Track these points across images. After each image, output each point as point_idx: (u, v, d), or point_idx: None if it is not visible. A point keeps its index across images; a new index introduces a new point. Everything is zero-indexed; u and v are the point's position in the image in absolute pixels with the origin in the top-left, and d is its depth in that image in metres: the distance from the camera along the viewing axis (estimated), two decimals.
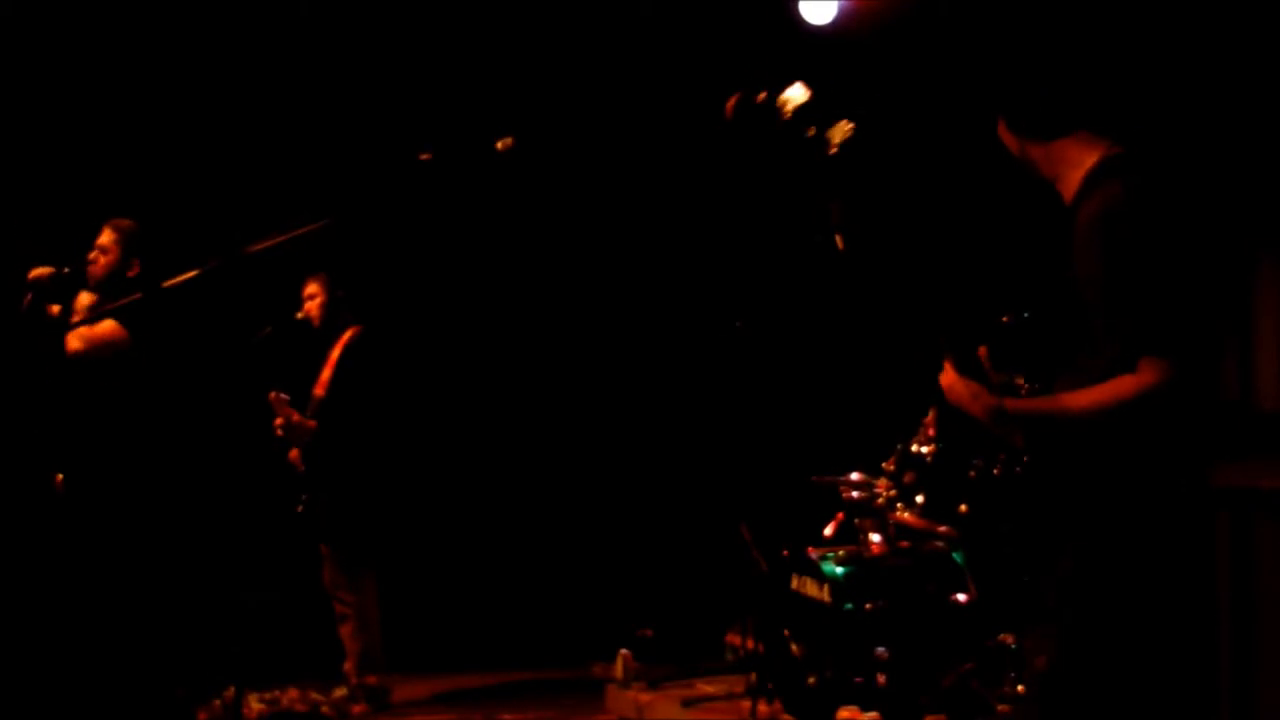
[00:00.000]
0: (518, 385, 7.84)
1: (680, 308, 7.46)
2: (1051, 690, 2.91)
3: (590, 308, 7.79)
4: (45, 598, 5.45)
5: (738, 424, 7.00)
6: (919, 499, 5.15)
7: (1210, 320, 3.02)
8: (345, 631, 6.45)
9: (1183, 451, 2.87)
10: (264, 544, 6.20)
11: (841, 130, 3.16)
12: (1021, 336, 3.39)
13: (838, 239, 3.21)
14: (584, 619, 7.36)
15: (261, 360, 6.13)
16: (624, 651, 6.42)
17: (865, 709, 4.92)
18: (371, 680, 6.41)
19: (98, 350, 5.46)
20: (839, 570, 5.14)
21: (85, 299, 5.61)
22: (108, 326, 5.48)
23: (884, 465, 5.34)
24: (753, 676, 5.53)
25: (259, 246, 3.38)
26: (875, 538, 5.32)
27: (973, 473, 4.86)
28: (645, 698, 6.09)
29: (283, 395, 6.34)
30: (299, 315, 6.50)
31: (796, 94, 3.18)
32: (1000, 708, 4.74)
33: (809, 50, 6.49)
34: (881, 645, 4.91)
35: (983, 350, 2.99)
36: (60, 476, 5.55)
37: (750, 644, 5.66)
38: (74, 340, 5.49)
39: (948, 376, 3.01)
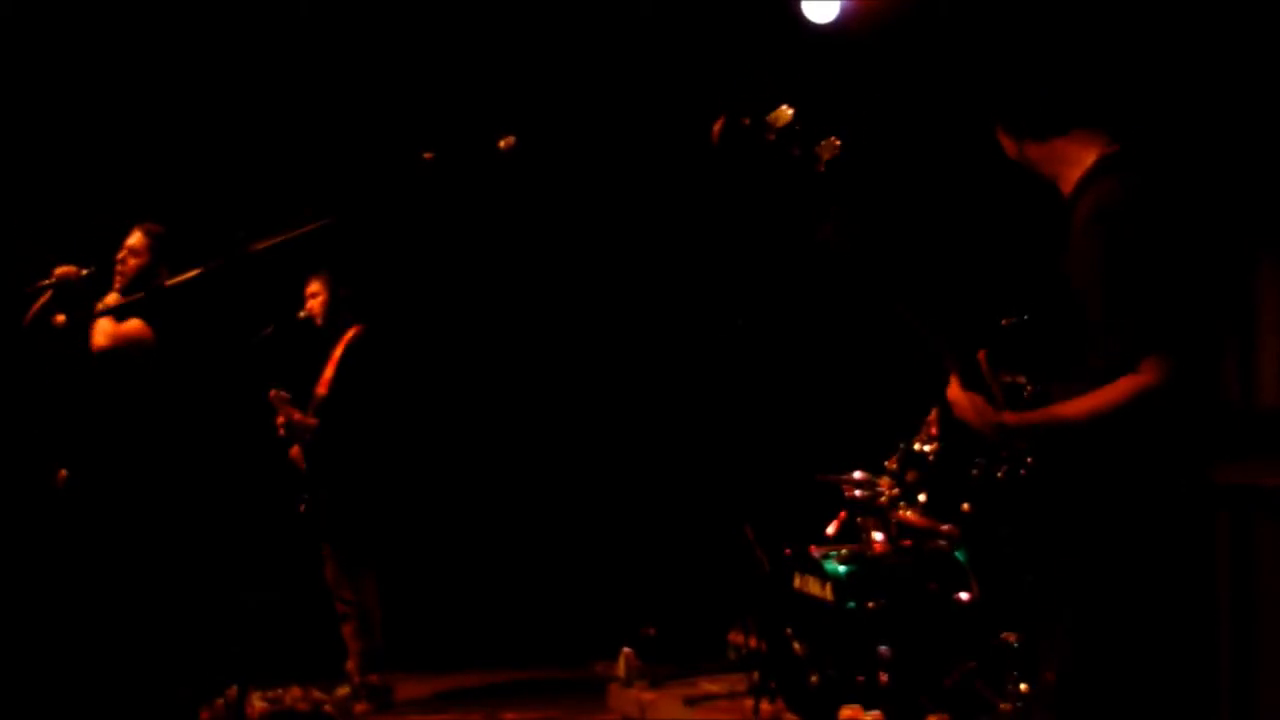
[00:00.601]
0: (519, 385, 7.85)
1: (682, 307, 7.46)
2: (1062, 703, 2.92)
3: (592, 307, 7.79)
4: (53, 596, 5.44)
5: (740, 423, 7.01)
6: (921, 498, 5.16)
7: (1211, 318, 3.01)
8: (347, 630, 6.46)
9: (1183, 451, 2.87)
10: (266, 543, 6.20)
11: (829, 148, 3.16)
12: (1022, 338, 3.39)
13: (839, 239, 3.21)
14: (586, 618, 7.36)
15: (263, 359, 6.14)
16: (626, 650, 6.42)
17: (867, 708, 4.93)
18: (374, 679, 6.41)
19: (123, 348, 5.44)
20: (841, 569, 5.15)
21: (111, 300, 5.57)
22: (134, 325, 5.46)
23: (886, 464, 5.34)
24: (755, 675, 5.53)
25: (262, 245, 3.39)
26: (878, 536, 5.33)
27: (975, 472, 4.86)
28: (648, 696, 6.10)
29: (283, 393, 6.35)
30: (301, 314, 6.52)
31: (782, 114, 3.19)
32: (1003, 706, 4.74)
33: (810, 50, 6.50)
34: (884, 644, 4.91)
35: (981, 355, 2.99)
36: (63, 473, 5.54)
37: (753, 643, 5.67)
38: (99, 336, 5.47)
39: (953, 391, 3.01)
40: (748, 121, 3.21)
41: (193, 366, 5.56)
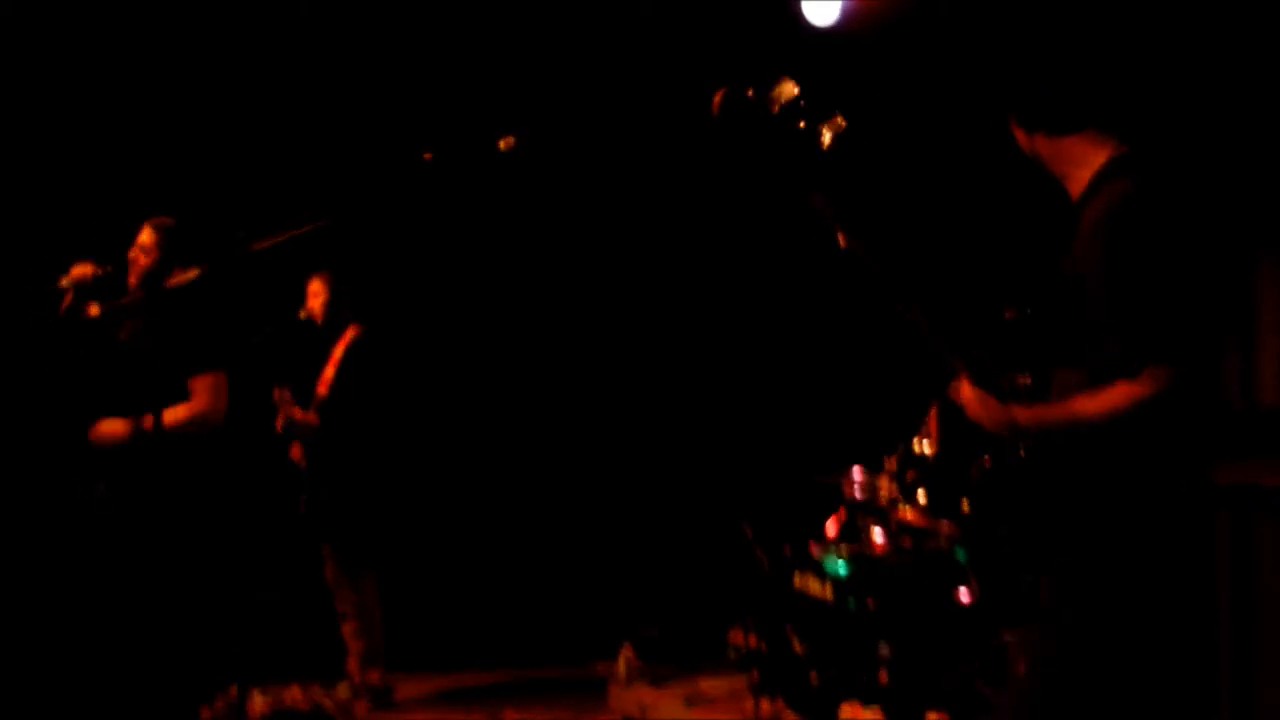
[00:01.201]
0: (520, 384, 7.85)
1: (682, 306, 7.47)
2: (1028, 697, 2.92)
3: (592, 306, 7.79)
4: (67, 597, 5.40)
5: (740, 422, 7.01)
6: (921, 497, 5.16)
7: (1214, 321, 3.02)
8: (347, 630, 6.46)
9: (1184, 452, 2.87)
10: (266, 542, 6.20)
11: (834, 125, 3.15)
12: (1025, 333, 3.39)
13: (840, 236, 3.20)
14: (586, 617, 7.37)
15: (264, 358, 6.14)
16: (627, 650, 6.43)
17: (867, 706, 4.93)
18: (374, 678, 6.42)
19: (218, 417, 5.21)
20: (841, 568, 5.15)
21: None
22: (211, 388, 5.19)
23: (886, 463, 5.34)
24: (755, 674, 5.53)
25: (262, 245, 3.39)
26: (877, 535, 5.32)
27: (975, 471, 4.86)
28: (648, 696, 6.10)
29: (287, 393, 6.35)
30: (302, 313, 6.52)
31: (786, 89, 3.17)
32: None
33: (810, 50, 6.49)
34: (884, 643, 4.91)
35: (981, 352, 2.99)
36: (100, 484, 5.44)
37: (752, 642, 5.66)
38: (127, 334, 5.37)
39: (964, 390, 3.01)
40: (751, 93, 3.19)
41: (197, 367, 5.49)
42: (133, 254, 5.47)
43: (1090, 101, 2.98)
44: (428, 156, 3.56)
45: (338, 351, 6.50)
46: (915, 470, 5.19)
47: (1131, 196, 2.86)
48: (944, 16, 6.14)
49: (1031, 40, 3.03)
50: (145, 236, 5.45)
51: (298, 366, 6.52)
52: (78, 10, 6.83)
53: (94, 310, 5.17)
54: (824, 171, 3.13)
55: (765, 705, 5.39)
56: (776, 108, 3.18)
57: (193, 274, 4.15)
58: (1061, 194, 3.05)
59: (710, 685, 6.15)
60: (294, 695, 6.40)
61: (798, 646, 5.25)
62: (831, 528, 5.65)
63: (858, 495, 5.42)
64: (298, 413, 6.37)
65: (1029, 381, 3.14)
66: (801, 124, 3.15)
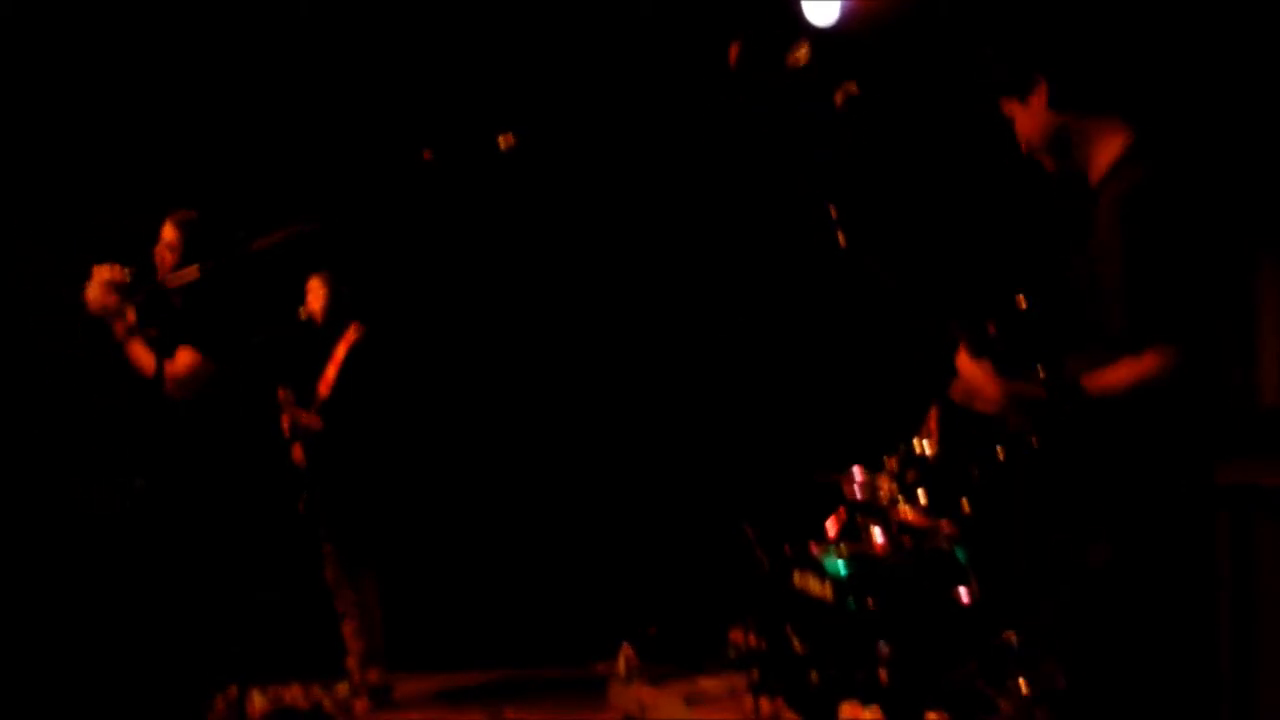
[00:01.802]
0: (520, 383, 7.85)
1: (683, 305, 7.46)
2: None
3: (592, 305, 7.79)
4: (82, 597, 5.37)
5: (740, 421, 7.02)
6: (921, 496, 5.16)
7: (1219, 313, 3.03)
8: (347, 630, 6.46)
9: (1185, 448, 2.87)
10: (266, 542, 6.20)
11: (846, 90, 3.16)
12: (1036, 321, 3.39)
13: (839, 236, 3.21)
14: (586, 616, 7.37)
15: (263, 358, 6.13)
16: (626, 649, 6.43)
17: (867, 706, 4.93)
18: (374, 677, 6.42)
19: (185, 390, 5.10)
20: (841, 568, 5.14)
21: None
22: (186, 359, 5.12)
23: (886, 462, 5.34)
24: (755, 673, 5.53)
25: (261, 244, 3.39)
26: (878, 535, 5.33)
27: (975, 470, 4.87)
28: (648, 695, 6.10)
29: (290, 394, 6.35)
30: (302, 313, 6.52)
31: (802, 51, 3.18)
32: (1003, 706, 4.74)
33: (809, 50, 6.48)
34: (883, 643, 4.91)
35: (992, 328, 3.00)
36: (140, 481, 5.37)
37: (753, 641, 5.66)
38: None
39: (963, 361, 3.02)
40: (764, 46, 3.20)
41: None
42: (158, 251, 5.34)
43: (1122, 83, 3.00)
44: (427, 155, 3.56)
45: (339, 352, 6.50)
46: (915, 470, 5.19)
47: (1153, 181, 2.89)
48: (943, 16, 6.14)
49: (1070, 21, 3.04)
50: (169, 233, 5.28)
51: (298, 366, 6.52)
52: (78, 10, 6.84)
53: (154, 333, 4.94)
54: (833, 134, 3.13)
55: (765, 704, 5.39)
56: (792, 67, 3.19)
57: (192, 273, 4.15)
58: (1061, 193, 3.05)
59: (710, 685, 6.15)
60: (294, 694, 6.40)
61: (798, 646, 5.25)
62: (831, 528, 5.65)
63: (858, 495, 5.42)
64: (303, 415, 6.37)
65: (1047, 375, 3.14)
66: (814, 76, 3.16)
